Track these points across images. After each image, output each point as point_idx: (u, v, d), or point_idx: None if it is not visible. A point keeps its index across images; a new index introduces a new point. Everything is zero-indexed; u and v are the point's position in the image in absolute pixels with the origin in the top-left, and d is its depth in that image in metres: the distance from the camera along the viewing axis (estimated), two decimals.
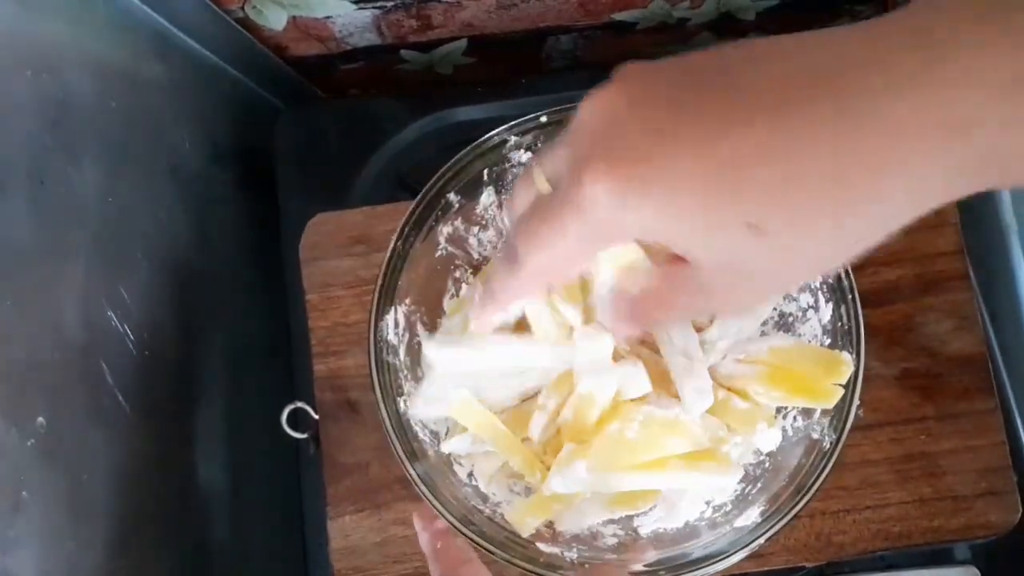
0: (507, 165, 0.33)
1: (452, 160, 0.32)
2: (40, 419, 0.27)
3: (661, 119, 0.17)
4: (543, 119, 0.31)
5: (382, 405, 0.30)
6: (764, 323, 0.33)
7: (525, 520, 0.30)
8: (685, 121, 0.17)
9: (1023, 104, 0.15)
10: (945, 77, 0.15)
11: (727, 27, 0.48)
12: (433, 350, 0.29)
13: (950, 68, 0.15)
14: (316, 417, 0.37)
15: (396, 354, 0.31)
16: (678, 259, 0.20)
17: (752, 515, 0.30)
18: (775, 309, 0.33)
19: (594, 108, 0.19)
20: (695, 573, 0.28)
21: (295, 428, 0.36)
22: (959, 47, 0.15)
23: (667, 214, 0.18)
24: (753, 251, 0.18)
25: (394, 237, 0.31)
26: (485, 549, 0.28)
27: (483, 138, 0.32)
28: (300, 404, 0.36)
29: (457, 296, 0.35)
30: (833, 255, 0.18)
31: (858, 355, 0.29)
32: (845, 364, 0.29)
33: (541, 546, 0.30)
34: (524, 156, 0.32)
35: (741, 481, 0.31)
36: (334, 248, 0.39)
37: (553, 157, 0.21)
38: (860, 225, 0.17)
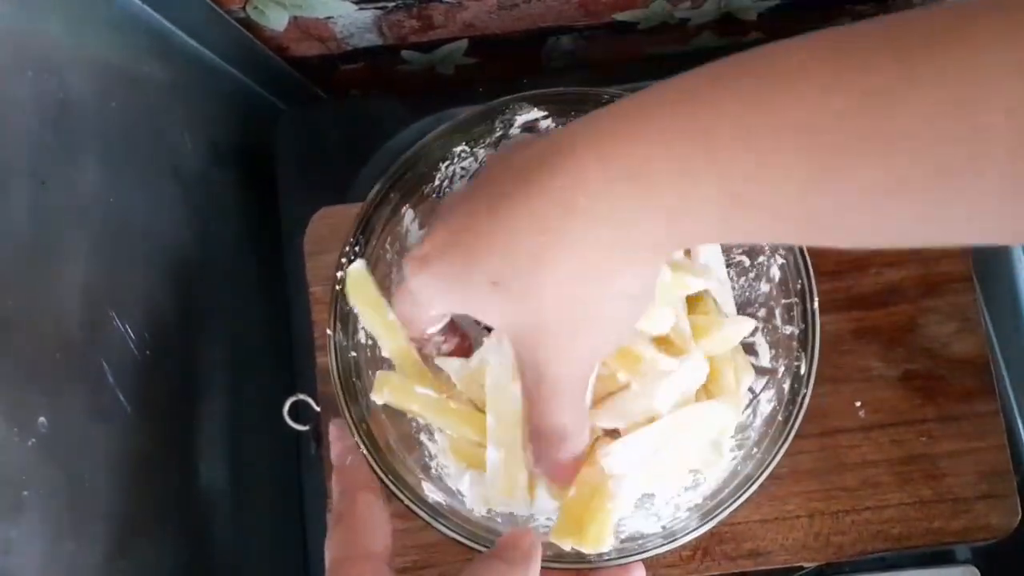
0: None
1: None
2: (41, 418, 0.27)
3: (444, 221, 0.25)
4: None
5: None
6: None
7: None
8: (449, 219, 0.25)
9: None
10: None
11: (728, 27, 0.48)
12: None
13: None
14: (318, 409, 0.37)
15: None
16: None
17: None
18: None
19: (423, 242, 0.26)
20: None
21: (296, 421, 0.36)
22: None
23: (443, 291, 0.25)
24: (507, 302, 0.23)
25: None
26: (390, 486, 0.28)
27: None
28: (302, 396, 0.36)
29: None
30: (550, 300, 0.23)
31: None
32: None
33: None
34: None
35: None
36: (338, 241, 0.39)
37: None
38: (571, 265, 0.22)
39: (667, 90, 0.21)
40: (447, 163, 0.33)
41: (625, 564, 0.28)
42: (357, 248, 0.32)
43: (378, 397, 0.30)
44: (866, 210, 0.18)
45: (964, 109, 0.16)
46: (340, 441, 0.29)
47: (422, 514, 0.29)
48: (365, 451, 0.29)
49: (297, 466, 0.42)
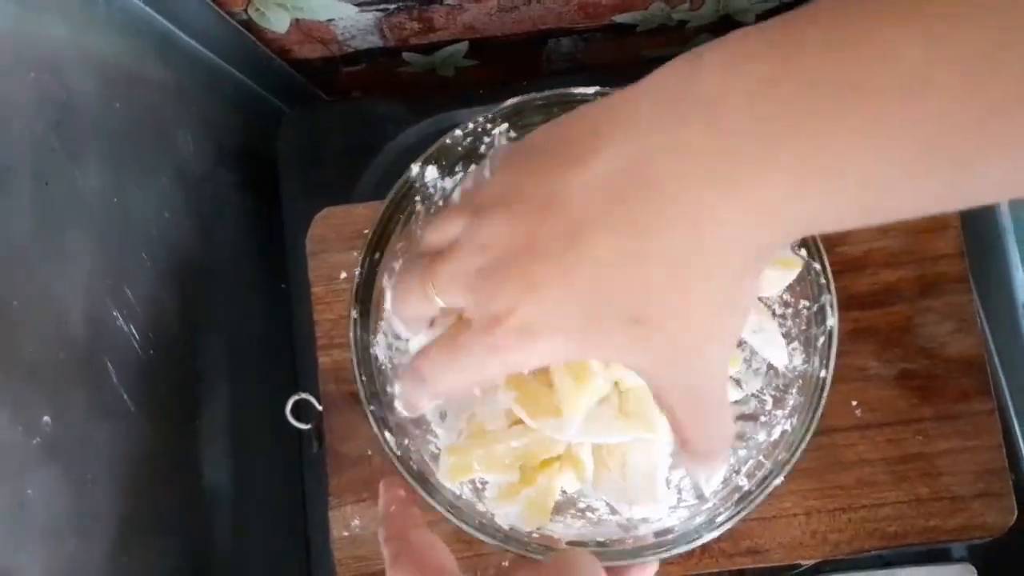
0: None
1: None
2: (45, 418, 0.27)
3: (528, 260, 0.20)
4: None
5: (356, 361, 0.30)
6: None
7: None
8: (543, 257, 0.20)
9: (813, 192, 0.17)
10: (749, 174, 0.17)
11: (727, 29, 0.48)
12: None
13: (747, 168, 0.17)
14: (320, 408, 0.37)
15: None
16: None
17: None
18: None
19: (475, 252, 0.21)
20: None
21: (298, 420, 0.37)
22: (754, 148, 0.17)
23: (563, 343, 0.20)
24: (654, 341, 0.20)
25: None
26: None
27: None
28: (304, 395, 0.37)
29: None
30: (711, 312, 0.20)
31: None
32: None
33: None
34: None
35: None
36: (341, 241, 0.39)
37: (446, 285, 0.22)
38: (711, 286, 0.19)
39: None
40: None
41: (641, 563, 0.28)
42: (377, 254, 0.32)
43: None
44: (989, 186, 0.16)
45: None
46: (387, 493, 0.28)
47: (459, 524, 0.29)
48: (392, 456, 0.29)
49: (299, 465, 0.42)
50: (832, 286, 0.29)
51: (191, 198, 0.39)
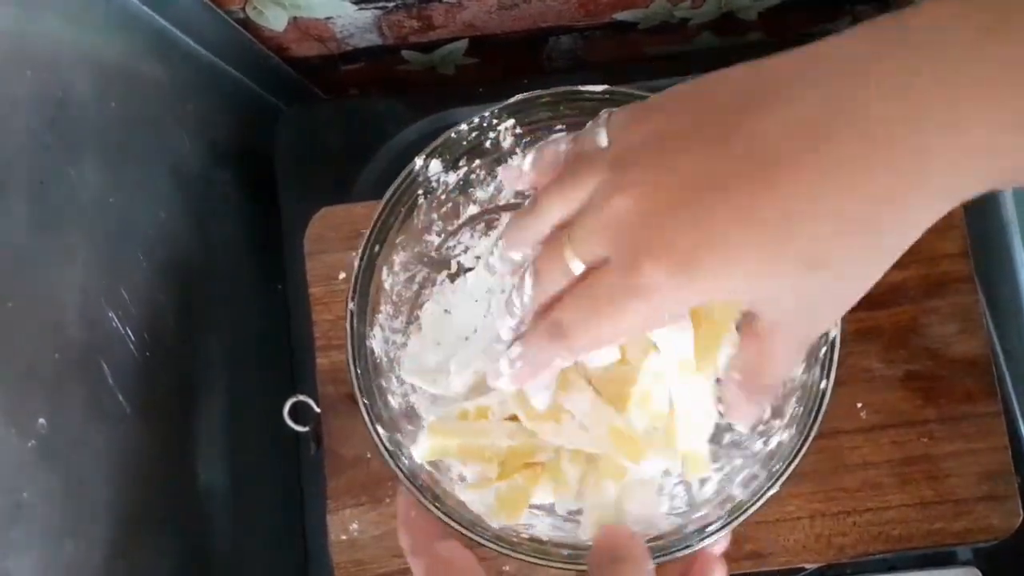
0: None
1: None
2: (41, 420, 0.27)
3: (693, 193, 0.19)
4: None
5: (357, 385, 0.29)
6: None
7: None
8: (718, 188, 0.19)
9: None
10: (963, 110, 0.17)
11: (728, 27, 0.48)
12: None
13: (964, 102, 0.17)
14: (318, 410, 0.37)
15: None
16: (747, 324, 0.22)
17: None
18: None
19: (619, 193, 0.20)
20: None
21: (296, 421, 0.36)
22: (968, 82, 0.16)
23: (727, 279, 0.19)
24: (817, 285, 0.19)
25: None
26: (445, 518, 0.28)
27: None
28: (302, 397, 0.36)
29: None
30: (883, 266, 0.20)
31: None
32: None
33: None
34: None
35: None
36: (339, 241, 0.39)
37: (589, 239, 0.21)
38: (896, 236, 0.19)
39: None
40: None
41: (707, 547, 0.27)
42: (376, 247, 0.31)
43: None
44: None
45: None
46: (403, 495, 0.28)
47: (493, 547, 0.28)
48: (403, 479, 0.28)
49: (297, 468, 0.42)
50: (835, 365, 0.28)
51: (188, 197, 0.39)
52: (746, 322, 0.22)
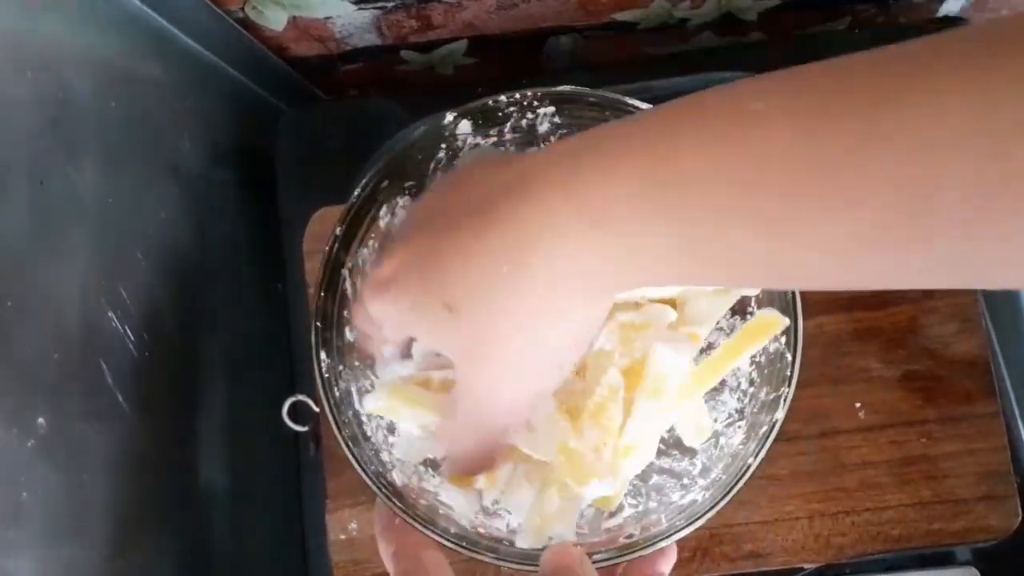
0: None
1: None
2: (40, 419, 0.27)
3: (406, 257, 0.25)
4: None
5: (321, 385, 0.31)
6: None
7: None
8: (406, 242, 0.25)
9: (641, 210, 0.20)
10: (584, 182, 0.21)
11: (728, 27, 0.48)
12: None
13: (585, 178, 0.21)
14: (317, 410, 0.37)
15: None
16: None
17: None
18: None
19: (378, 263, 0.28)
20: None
21: (296, 421, 0.36)
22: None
23: (401, 313, 0.25)
24: (460, 328, 0.23)
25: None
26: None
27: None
28: (301, 397, 0.36)
29: None
30: (512, 330, 0.23)
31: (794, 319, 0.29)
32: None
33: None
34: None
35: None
36: None
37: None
38: (518, 296, 0.22)
39: (630, 135, 0.21)
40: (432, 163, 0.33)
41: (655, 551, 0.28)
42: (384, 182, 0.31)
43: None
44: (826, 262, 0.18)
45: (926, 163, 0.16)
46: (381, 506, 0.29)
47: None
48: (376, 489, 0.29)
49: (296, 468, 0.42)
50: (794, 382, 0.28)
51: (187, 197, 0.39)
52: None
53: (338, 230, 0.31)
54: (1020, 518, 0.35)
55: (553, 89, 0.31)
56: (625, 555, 0.27)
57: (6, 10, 0.28)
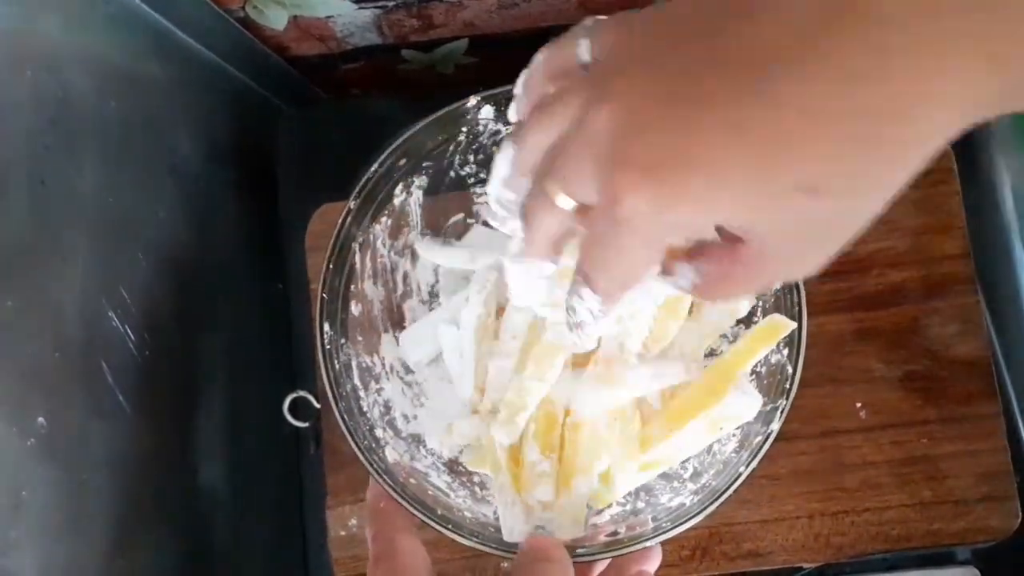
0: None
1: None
2: (40, 419, 0.27)
3: (679, 105, 0.17)
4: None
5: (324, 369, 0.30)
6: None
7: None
8: (705, 99, 0.17)
9: None
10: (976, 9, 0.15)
11: None
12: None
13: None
14: (317, 406, 0.37)
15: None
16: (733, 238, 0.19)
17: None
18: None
19: (602, 107, 0.18)
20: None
21: (296, 418, 0.36)
22: None
23: (713, 203, 0.17)
24: (815, 213, 0.17)
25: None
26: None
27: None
28: (302, 393, 0.36)
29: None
30: (885, 195, 0.17)
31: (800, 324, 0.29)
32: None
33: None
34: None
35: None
36: None
37: (572, 168, 0.19)
38: (906, 159, 0.16)
39: None
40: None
41: (642, 549, 0.27)
42: (403, 160, 0.31)
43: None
44: None
45: None
46: (376, 486, 0.29)
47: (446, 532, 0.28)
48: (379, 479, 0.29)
49: (297, 465, 0.42)
50: (792, 395, 0.28)
51: (188, 197, 0.39)
52: (726, 236, 0.19)
53: (352, 204, 0.31)
54: (1020, 519, 0.35)
55: None
56: (607, 552, 0.27)
57: (6, 10, 0.28)
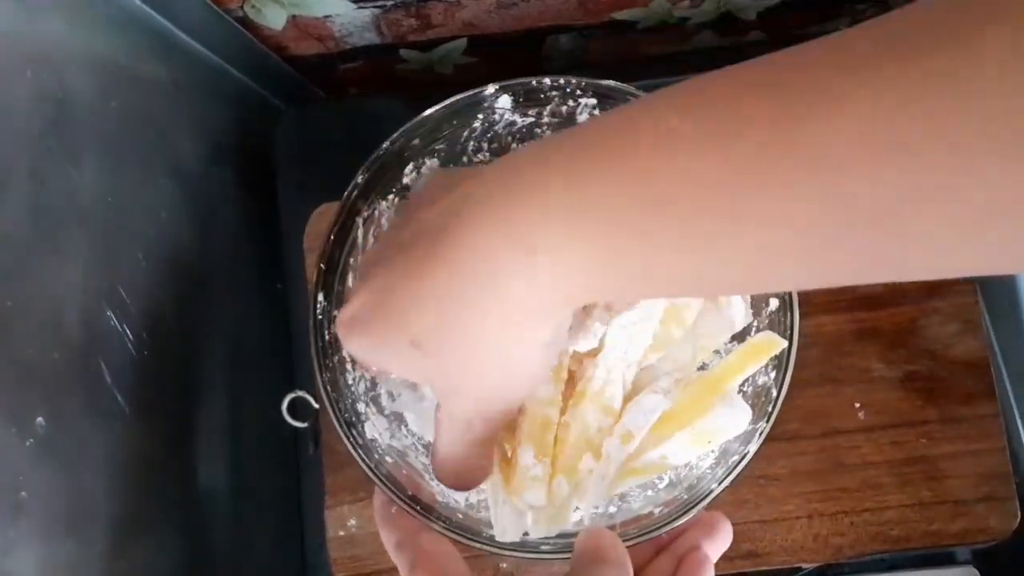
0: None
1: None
2: (39, 419, 0.27)
3: (383, 294, 0.24)
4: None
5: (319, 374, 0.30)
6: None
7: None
8: (380, 268, 0.24)
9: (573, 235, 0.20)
10: (517, 217, 0.20)
11: (728, 27, 0.48)
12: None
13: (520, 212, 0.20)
14: (316, 406, 0.37)
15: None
16: None
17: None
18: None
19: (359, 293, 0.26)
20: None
21: (295, 418, 0.36)
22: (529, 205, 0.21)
23: (369, 350, 0.25)
24: (426, 364, 0.23)
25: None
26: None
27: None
28: (301, 393, 0.36)
29: None
30: (481, 369, 0.23)
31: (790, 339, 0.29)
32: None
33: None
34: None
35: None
36: None
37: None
38: (488, 326, 0.22)
39: (546, 160, 0.21)
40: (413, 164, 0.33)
41: (703, 527, 0.27)
42: (416, 140, 0.31)
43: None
44: (752, 267, 0.18)
45: (826, 181, 0.16)
46: (381, 493, 0.29)
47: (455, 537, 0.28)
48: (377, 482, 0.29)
49: (296, 466, 0.42)
50: (773, 419, 0.28)
51: (187, 197, 0.39)
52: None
53: (360, 178, 0.31)
54: (1019, 519, 0.35)
55: (598, 82, 0.31)
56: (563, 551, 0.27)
57: (6, 10, 0.28)
